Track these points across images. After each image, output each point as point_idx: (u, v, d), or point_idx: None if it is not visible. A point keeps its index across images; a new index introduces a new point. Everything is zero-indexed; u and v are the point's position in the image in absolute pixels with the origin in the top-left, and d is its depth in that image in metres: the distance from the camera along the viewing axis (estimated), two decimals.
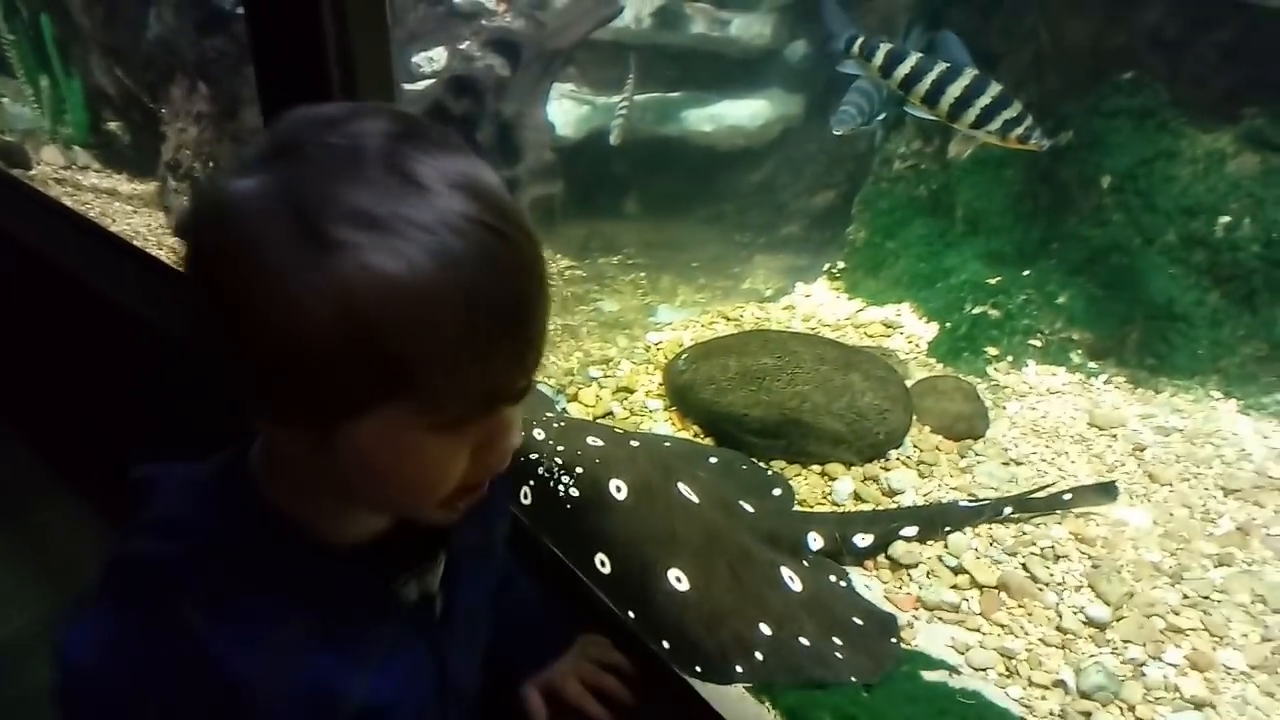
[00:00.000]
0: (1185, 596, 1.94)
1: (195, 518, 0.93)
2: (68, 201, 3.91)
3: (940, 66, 2.44)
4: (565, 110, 4.00)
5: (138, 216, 3.95)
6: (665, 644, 1.64)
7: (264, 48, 1.54)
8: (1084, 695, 1.71)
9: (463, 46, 4.00)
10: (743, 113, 4.22)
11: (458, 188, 0.77)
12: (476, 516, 1.05)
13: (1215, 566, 2.04)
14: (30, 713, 2.33)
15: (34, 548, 2.95)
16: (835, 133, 3.08)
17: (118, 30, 4.27)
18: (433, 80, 3.63)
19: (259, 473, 0.93)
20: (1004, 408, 2.72)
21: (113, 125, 4.71)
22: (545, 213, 3.50)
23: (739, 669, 1.63)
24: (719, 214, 4.31)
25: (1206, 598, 1.93)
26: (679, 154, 4.18)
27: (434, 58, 3.99)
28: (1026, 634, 1.86)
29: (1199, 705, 1.69)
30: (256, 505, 0.92)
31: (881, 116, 3.26)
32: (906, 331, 3.21)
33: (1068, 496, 2.20)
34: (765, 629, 1.72)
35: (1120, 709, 1.70)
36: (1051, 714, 1.69)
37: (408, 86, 3.51)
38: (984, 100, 2.40)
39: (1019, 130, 2.40)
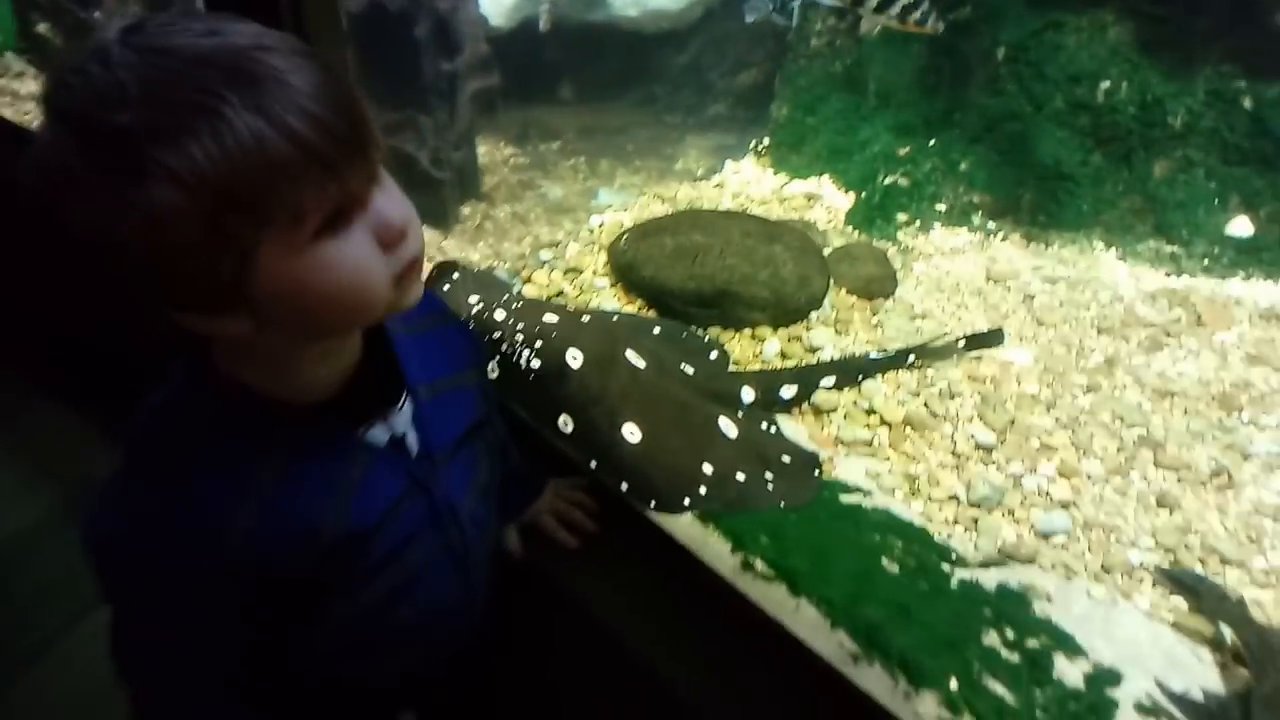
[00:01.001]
0: (1058, 420, 2.23)
1: (179, 401, 1.05)
2: (8, 112, 3.84)
3: None
4: (496, 0, 4.02)
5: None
6: (624, 486, 1.88)
7: None
8: (974, 505, 2.00)
9: None
10: None
11: (212, 54, 0.81)
12: (436, 360, 1.22)
13: (1084, 394, 2.33)
14: (42, 604, 2.50)
15: (21, 453, 3.04)
16: (748, 20, 3.17)
17: None
18: None
19: (221, 360, 1.03)
20: (912, 268, 2.96)
21: (43, 29, 4.58)
22: (486, 104, 3.57)
23: (687, 501, 1.88)
24: (650, 97, 4.41)
25: (1075, 419, 2.22)
26: (608, 39, 4.24)
27: None
28: (927, 460, 2.13)
29: (1065, 505, 1.99)
30: (224, 384, 1.02)
31: (795, 2, 3.36)
32: (826, 203, 3.40)
33: (962, 343, 2.46)
34: (707, 468, 1.96)
35: (1003, 513, 1.99)
36: (947, 521, 1.98)
37: None
38: None
39: (915, 15, 2.56)
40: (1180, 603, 1.76)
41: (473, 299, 2.46)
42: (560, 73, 4.29)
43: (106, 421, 2.96)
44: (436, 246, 3.22)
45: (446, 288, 2.59)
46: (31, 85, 4.27)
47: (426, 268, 2.66)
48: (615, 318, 2.61)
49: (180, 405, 1.05)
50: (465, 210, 3.43)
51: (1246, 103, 3.10)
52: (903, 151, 3.45)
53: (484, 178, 3.64)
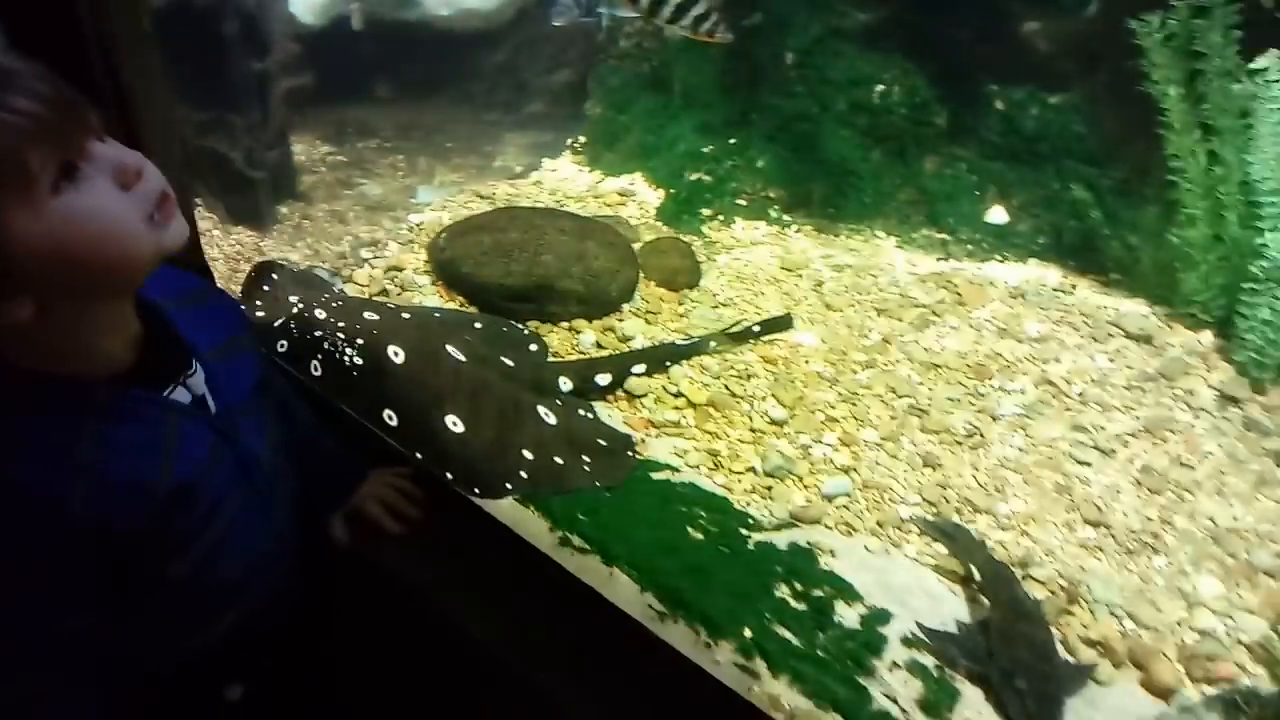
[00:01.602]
0: (840, 394, 2.45)
1: None
2: None
3: None
4: None
5: None
6: (449, 475, 1.96)
7: None
8: (768, 475, 2.18)
9: None
10: None
11: None
12: (210, 329, 1.29)
13: (863, 370, 2.57)
14: None
15: None
16: (554, 24, 3.26)
17: None
18: None
19: (8, 354, 1.05)
20: (715, 260, 3.14)
21: None
22: (299, 103, 3.52)
23: (509, 485, 1.98)
24: (467, 94, 4.44)
25: (855, 393, 2.46)
26: (422, 38, 4.24)
27: None
28: (728, 436, 2.30)
29: (846, 470, 2.21)
30: (17, 375, 1.05)
31: (601, 7, 3.47)
32: (639, 199, 3.55)
33: (757, 329, 2.66)
34: (528, 454, 2.07)
35: (794, 480, 2.18)
36: (745, 491, 2.15)
37: None
38: None
39: (706, 25, 2.72)
40: (941, 549, 2.00)
41: (293, 298, 2.46)
42: (376, 71, 4.26)
43: None
44: (255, 247, 3.17)
45: (266, 288, 2.57)
46: None
47: (244, 269, 2.65)
48: (437, 315, 2.66)
49: None
50: (283, 210, 3.38)
51: (999, 104, 3.46)
52: (706, 149, 3.64)
53: (301, 177, 3.59)
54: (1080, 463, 2.24)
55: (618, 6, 2.80)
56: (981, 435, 2.32)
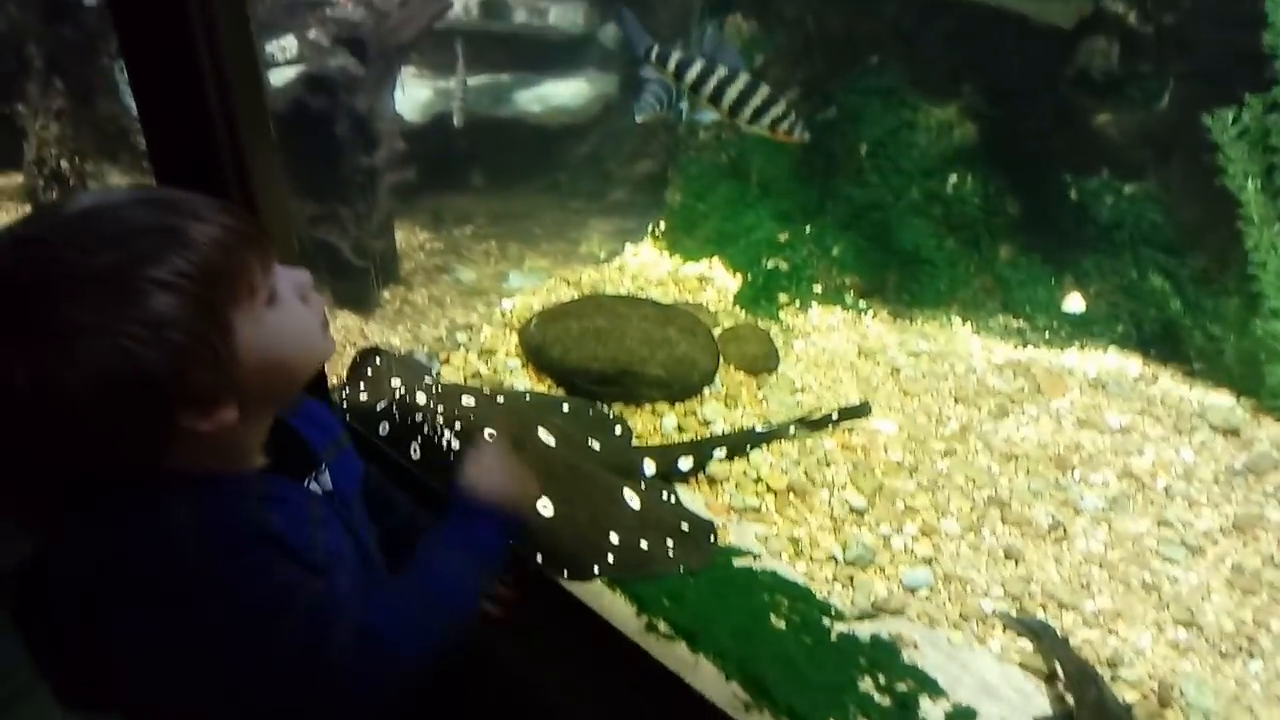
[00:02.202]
0: (919, 484, 2.43)
1: (157, 517, 1.04)
2: None
3: (721, 71, 2.79)
4: (409, 96, 4.17)
5: (4, 214, 3.85)
6: (539, 556, 1.99)
7: (136, 54, 1.59)
8: (849, 564, 2.17)
9: (311, 35, 4.09)
10: (566, 92, 4.50)
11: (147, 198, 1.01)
12: (318, 430, 1.34)
13: (942, 459, 2.55)
14: None
15: None
16: (638, 119, 3.39)
17: None
18: (284, 66, 3.74)
19: (171, 460, 1.05)
20: (792, 346, 3.17)
21: None
22: (402, 194, 3.69)
23: (596, 569, 2.00)
24: (554, 184, 4.60)
25: (934, 483, 2.44)
26: (514, 132, 4.42)
27: (285, 46, 4.07)
28: (808, 523, 2.30)
29: (927, 561, 2.19)
30: (177, 474, 1.04)
31: (682, 103, 3.59)
32: (717, 284, 3.61)
33: (835, 416, 2.66)
34: (614, 538, 2.09)
35: (875, 570, 2.17)
36: (827, 580, 2.14)
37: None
38: (756, 101, 2.77)
39: (784, 126, 2.80)
40: (1026, 644, 1.96)
41: (395, 382, 2.56)
42: (471, 162, 4.45)
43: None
44: (359, 331, 3.30)
45: (370, 372, 2.68)
46: None
47: (350, 354, 2.76)
48: (527, 398, 2.74)
49: (164, 517, 1.04)
50: (385, 295, 3.53)
51: (1073, 193, 3.44)
52: (783, 237, 3.70)
53: (401, 262, 3.74)
54: (1168, 560, 2.18)
55: (700, 109, 2.90)
56: (1064, 529, 2.28)
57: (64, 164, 3.64)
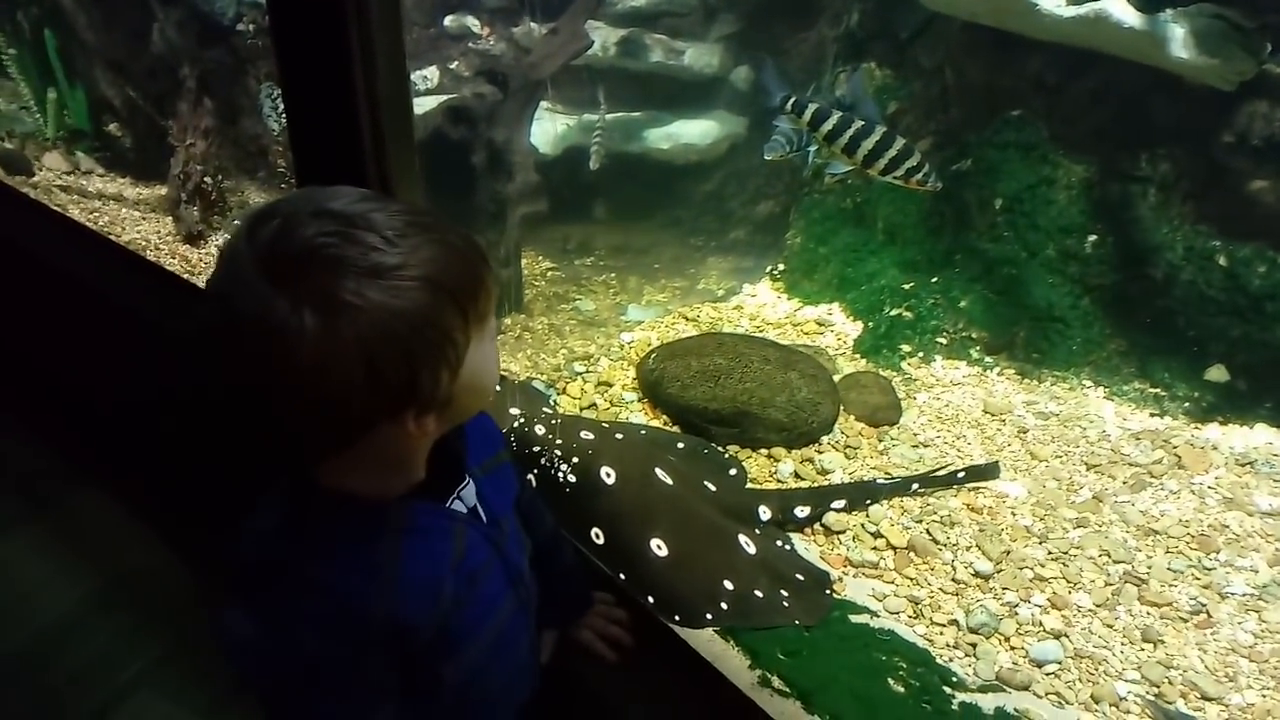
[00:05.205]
0: (1050, 552, 2.30)
1: (291, 519, 1.13)
2: (75, 211, 3.92)
3: (856, 124, 2.76)
4: (543, 129, 4.23)
5: (146, 223, 3.96)
6: (650, 599, 1.95)
7: (294, 80, 1.63)
8: (972, 631, 2.07)
9: (453, 66, 4.22)
10: (695, 131, 4.49)
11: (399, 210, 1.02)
12: (478, 444, 1.33)
13: (1074, 528, 2.41)
14: (75, 692, 2.43)
15: (61, 541, 2.94)
16: (766, 158, 3.36)
17: (120, 43, 4.35)
18: (425, 96, 3.85)
19: (329, 476, 1.11)
20: (915, 398, 3.06)
21: (113, 128, 4.67)
22: (532, 225, 3.75)
23: (709, 616, 1.95)
24: (676, 220, 4.60)
25: (1066, 553, 2.30)
26: (641, 167, 4.44)
27: (428, 76, 4.21)
28: (929, 584, 2.20)
29: (1057, 635, 2.06)
30: (332, 496, 1.11)
31: (811, 146, 3.54)
32: (836, 329, 3.54)
33: (961, 474, 2.55)
34: (728, 584, 2.04)
35: (999, 640, 2.05)
36: (948, 645, 2.04)
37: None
38: (891, 153, 2.72)
39: (918, 176, 2.74)
40: None
41: (514, 410, 2.57)
42: (597, 195, 4.48)
43: (153, 516, 2.95)
44: None
45: (491, 399, 2.70)
46: (99, 183, 4.37)
47: None
48: (643, 432, 2.71)
49: (294, 522, 1.13)
50: (507, 322, 3.57)
51: (1222, 260, 3.24)
52: (907, 286, 3.60)
53: (523, 290, 3.79)
54: None
55: (834, 161, 2.86)
56: (1208, 614, 2.12)
57: (207, 180, 3.78)
